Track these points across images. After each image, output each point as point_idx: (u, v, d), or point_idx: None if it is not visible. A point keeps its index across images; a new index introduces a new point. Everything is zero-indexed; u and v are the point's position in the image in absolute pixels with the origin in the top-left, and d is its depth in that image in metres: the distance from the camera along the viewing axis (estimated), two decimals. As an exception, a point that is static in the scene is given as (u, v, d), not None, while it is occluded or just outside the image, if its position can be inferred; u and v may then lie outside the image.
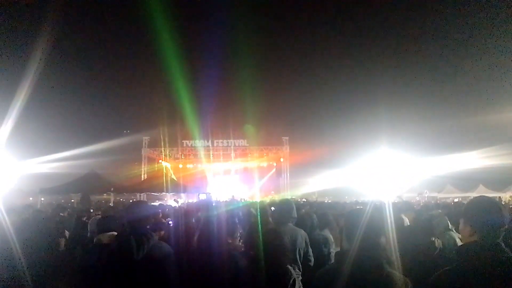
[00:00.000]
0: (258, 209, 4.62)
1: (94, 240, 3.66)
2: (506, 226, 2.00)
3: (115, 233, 3.53)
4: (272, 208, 5.44)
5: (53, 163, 22.78)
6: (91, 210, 7.15)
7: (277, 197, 21.51)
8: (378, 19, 51.87)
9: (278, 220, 4.07)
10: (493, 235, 1.95)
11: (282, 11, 57.03)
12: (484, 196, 2.24)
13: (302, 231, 4.01)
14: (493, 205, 2.04)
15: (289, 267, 2.68)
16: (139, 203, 3.44)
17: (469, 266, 1.92)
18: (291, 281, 2.63)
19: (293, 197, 20.81)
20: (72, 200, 17.48)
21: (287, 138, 27.50)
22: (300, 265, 3.84)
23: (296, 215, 4.17)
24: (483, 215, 2.01)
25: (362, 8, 52.44)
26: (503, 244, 1.94)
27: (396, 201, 12.60)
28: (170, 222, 5.06)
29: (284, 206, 4.15)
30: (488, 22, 37.67)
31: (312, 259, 3.97)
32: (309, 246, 3.99)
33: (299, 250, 3.82)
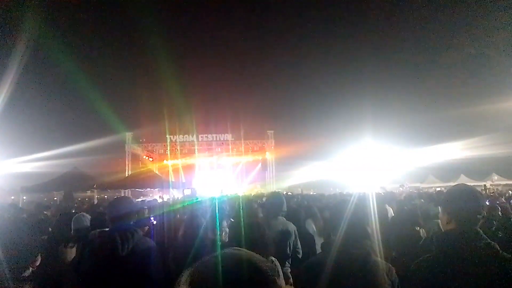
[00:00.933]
0: (241, 203, 4.61)
1: (90, 237, 3.62)
2: (484, 214, 2.04)
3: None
4: (263, 200, 5.44)
5: (35, 162, 22.36)
6: (73, 210, 7.03)
7: (263, 190, 21.58)
8: (361, 13, 52.13)
9: (269, 213, 4.07)
10: (469, 222, 1.98)
11: (266, 4, 56.82)
12: (462, 184, 2.28)
13: (292, 224, 4.03)
14: (470, 193, 2.07)
15: (272, 258, 2.68)
16: (121, 199, 3.37)
17: (448, 253, 1.95)
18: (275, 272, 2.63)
19: (278, 190, 20.93)
20: (55, 198, 17.18)
21: (272, 131, 27.51)
22: (290, 258, 3.86)
23: (286, 209, 4.18)
24: (459, 202, 2.04)
25: (345, 2, 52.66)
26: (481, 231, 1.96)
27: (380, 192, 12.80)
28: (152, 218, 5.03)
29: (274, 200, 4.18)
30: (469, 14, 38.29)
31: (301, 251, 4.00)
32: (298, 239, 4.01)
33: (289, 243, 3.84)
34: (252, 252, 0.88)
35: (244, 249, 0.89)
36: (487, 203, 8.33)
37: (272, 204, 4.11)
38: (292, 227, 3.98)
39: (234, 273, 0.80)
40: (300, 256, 3.95)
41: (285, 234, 3.83)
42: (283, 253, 3.69)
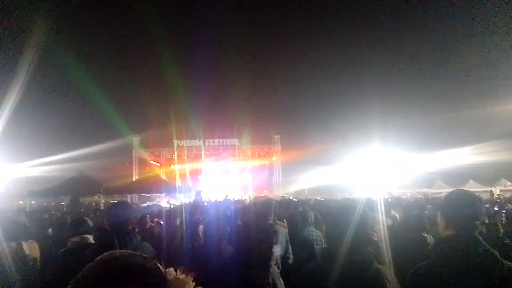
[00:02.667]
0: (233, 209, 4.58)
1: (68, 244, 3.56)
2: (482, 219, 1.99)
3: (88, 236, 3.48)
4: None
5: (43, 167, 22.55)
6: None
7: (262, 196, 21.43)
8: (369, 16, 52.10)
9: (259, 219, 4.04)
10: (467, 228, 1.94)
11: (272, 9, 57.01)
12: (461, 189, 2.22)
13: (283, 230, 4.02)
14: (468, 199, 2.03)
15: (270, 263, 2.65)
16: (120, 203, 3.35)
17: (446, 259, 1.91)
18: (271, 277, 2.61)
19: (283, 196, 20.83)
20: (62, 203, 17.28)
21: (278, 136, 27.51)
22: (280, 263, 3.83)
23: (276, 213, 4.19)
24: (456, 208, 2.01)
25: (352, 5, 52.62)
26: (480, 237, 1.93)
27: (386, 198, 12.66)
28: (161, 222, 5.01)
29: (264, 205, 4.12)
30: (479, 17, 38.01)
31: (291, 257, 3.99)
32: (289, 244, 4.01)
33: (281, 248, 3.83)
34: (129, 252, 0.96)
35: (121, 251, 0.96)
36: (496, 209, 8.24)
37: (262, 209, 4.04)
38: (283, 232, 3.98)
39: (106, 273, 0.86)
40: (290, 261, 3.95)
41: (276, 239, 3.78)
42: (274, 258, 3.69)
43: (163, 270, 0.97)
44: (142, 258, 0.94)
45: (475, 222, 1.94)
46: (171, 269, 1.01)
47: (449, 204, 2.08)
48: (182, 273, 1.04)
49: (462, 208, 1.97)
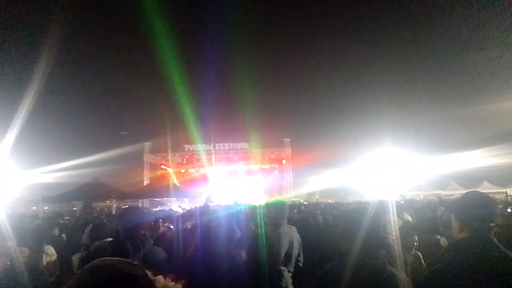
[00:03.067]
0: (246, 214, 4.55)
1: (92, 248, 3.61)
2: (497, 221, 1.95)
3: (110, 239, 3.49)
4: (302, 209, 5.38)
5: (56, 173, 22.80)
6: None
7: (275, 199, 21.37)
8: (378, 17, 51.86)
9: (272, 223, 4.02)
10: (482, 230, 1.91)
11: (283, 12, 57.12)
12: (475, 191, 2.19)
13: (297, 234, 4.01)
14: (482, 200, 2.00)
15: (283, 268, 2.64)
16: (132, 209, 3.38)
17: (461, 262, 1.88)
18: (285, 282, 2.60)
19: (293, 199, 20.75)
20: (74, 208, 17.48)
21: (289, 139, 27.46)
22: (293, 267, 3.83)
23: (288, 217, 4.17)
24: (471, 210, 1.98)
25: (362, 6, 52.40)
26: (495, 240, 1.89)
27: (399, 200, 12.53)
28: (171, 226, 5.02)
29: (277, 209, 4.12)
30: (491, 14, 37.43)
31: (302, 260, 3.97)
32: (301, 248, 3.99)
33: (294, 252, 3.82)
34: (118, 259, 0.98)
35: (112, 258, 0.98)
36: (509, 210, 8.07)
37: (276, 213, 4.07)
38: (297, 236, 3.96)
39: (93, 281, 0.88)
40: (301, 264, 3.93)
41: (291, 243, 3.80)
42: (286, 262, 3.68)
43: (151, 278, 0.99)
44: (131, 266, 0.95)
45: (490, 224, 1.91)
46: (160, 277, 1.03)
47: (463, 206, 2.05)
48: (172, 281, 1.06)
49: (476, 210, 1.93)
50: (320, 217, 5.00)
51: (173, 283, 1.06)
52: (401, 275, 2.15)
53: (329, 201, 20.76)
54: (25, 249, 3.70)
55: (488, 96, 31.49)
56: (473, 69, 35.42)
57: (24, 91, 19.06)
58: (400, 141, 27.16)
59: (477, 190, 2.28)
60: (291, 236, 3.89)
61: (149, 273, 0.99)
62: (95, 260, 0.95)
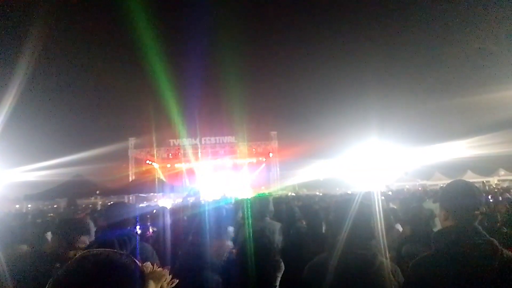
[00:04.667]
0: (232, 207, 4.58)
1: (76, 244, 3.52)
2: (483, 209, 1.97)
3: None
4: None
5: (39, 171, 22.39)
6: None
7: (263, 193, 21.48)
8: (361, 10, 52.03)
9: (256, 215, 4.17)
10: (467, 218, 1.92)
11: (267, 5, 56.92)
12: (460, 180, 2.19)
13: (279, 225, 4.16)
14: (467, 189, 2.00)
15: (279, 259, 2.66)
16: (117, 204, 3.32)
17: (446, 250, 1.89)
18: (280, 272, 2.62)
19: (280, 193, 20.82)
20: (55, 206, 17.20)
21: (275, 132, 27.46)
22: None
23: (272, 209, 4.34)
24: (456, 198, 1.98)
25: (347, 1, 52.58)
26: (480, 228, 1.91)
27: (385, 191, 12.69)
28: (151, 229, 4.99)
29: (261, 202, 4.31)
30: (473, 6, 37.92)
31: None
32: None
33: (276, 243, 3.89)
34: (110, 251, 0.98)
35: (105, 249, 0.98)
36: (490, 199, 8.25)
37: (259, 206, 4.24)
38: (279, 227, 4.10)
39: (82, 269, 0.89)
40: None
41: (272, 234, 3.92)
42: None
43: (139, 265, 1.01)
44: (119, 254, 0.98)
45: (475, 212, 1.92)
46: (148, 263, 1.06)
47: (448, 194, 2.05)
48: (159, 267, 1.08)
49: (461, 199, 1.94)
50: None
51: (160, 268, 1.08)
52: (391, 265, 2.16)
53: (317, 193, 20.88)
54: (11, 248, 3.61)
55: (471, 88, 31.99)
56: (456, 61, 35.94)
57: (6, 89, 18.61)
58: (385, 133, 27.52)
59: (462, 179, 2.29)
60: (273, 227, 4.05)
61: (137, 260, 1.01)
62: (83, 252, 0.96)
